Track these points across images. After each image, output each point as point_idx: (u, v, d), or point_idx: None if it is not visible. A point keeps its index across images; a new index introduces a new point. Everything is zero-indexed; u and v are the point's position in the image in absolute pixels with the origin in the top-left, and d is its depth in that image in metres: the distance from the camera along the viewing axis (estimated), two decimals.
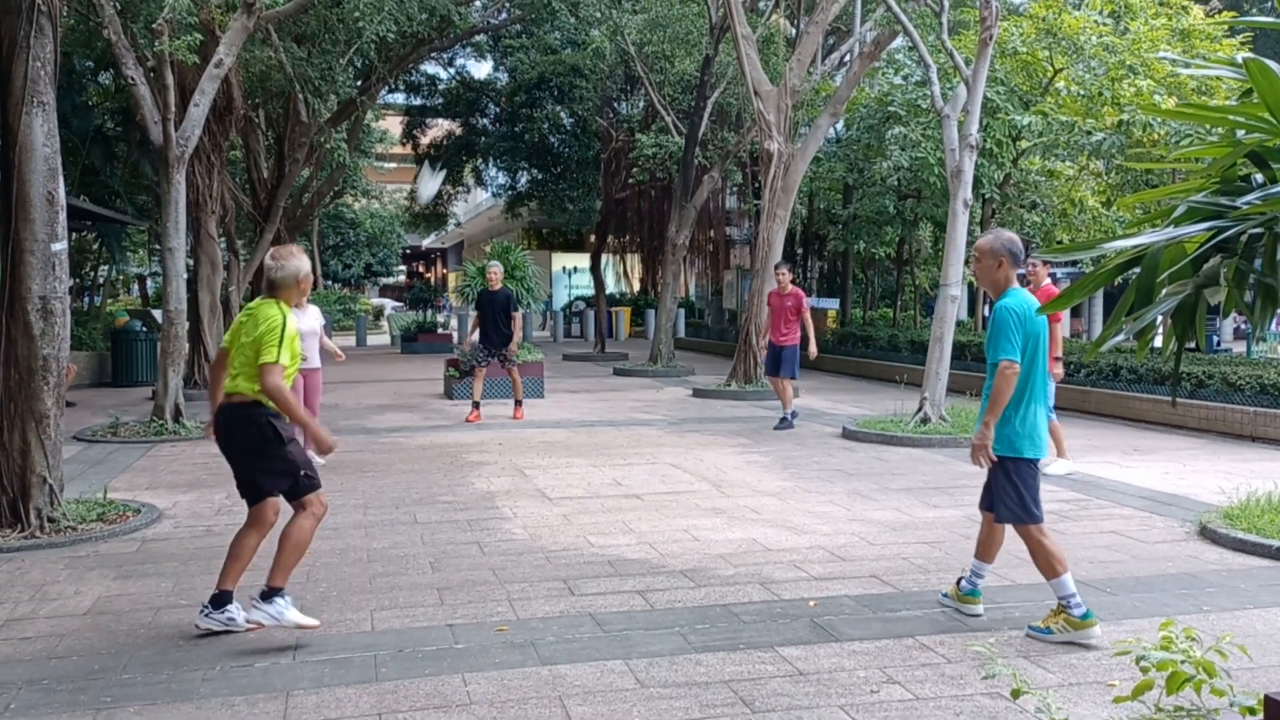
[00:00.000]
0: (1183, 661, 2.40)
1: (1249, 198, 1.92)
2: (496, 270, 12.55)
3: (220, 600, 4.69)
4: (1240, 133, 2.18)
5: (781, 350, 11.66)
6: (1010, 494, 4.67)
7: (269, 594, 4.60)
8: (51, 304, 6.75)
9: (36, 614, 5.03)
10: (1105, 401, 12.64)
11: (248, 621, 4.62)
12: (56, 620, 4.91)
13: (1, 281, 6.86)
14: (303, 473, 4.73)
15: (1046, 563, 4.59)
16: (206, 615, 4.68)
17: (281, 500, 4.80)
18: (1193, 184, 2.27)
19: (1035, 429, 4.68)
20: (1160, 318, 2.17)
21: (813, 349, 11.78)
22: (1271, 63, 1.91)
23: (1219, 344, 16.85)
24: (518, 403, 12.77)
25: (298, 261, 4.86)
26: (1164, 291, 1.97)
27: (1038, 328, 4.68)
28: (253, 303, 4.92)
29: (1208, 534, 6.40)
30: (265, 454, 4.71)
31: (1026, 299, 4.72)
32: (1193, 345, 16.32)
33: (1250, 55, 1.97)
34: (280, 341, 4.63)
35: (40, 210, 6.73)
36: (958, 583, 4.98)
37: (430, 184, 19.04)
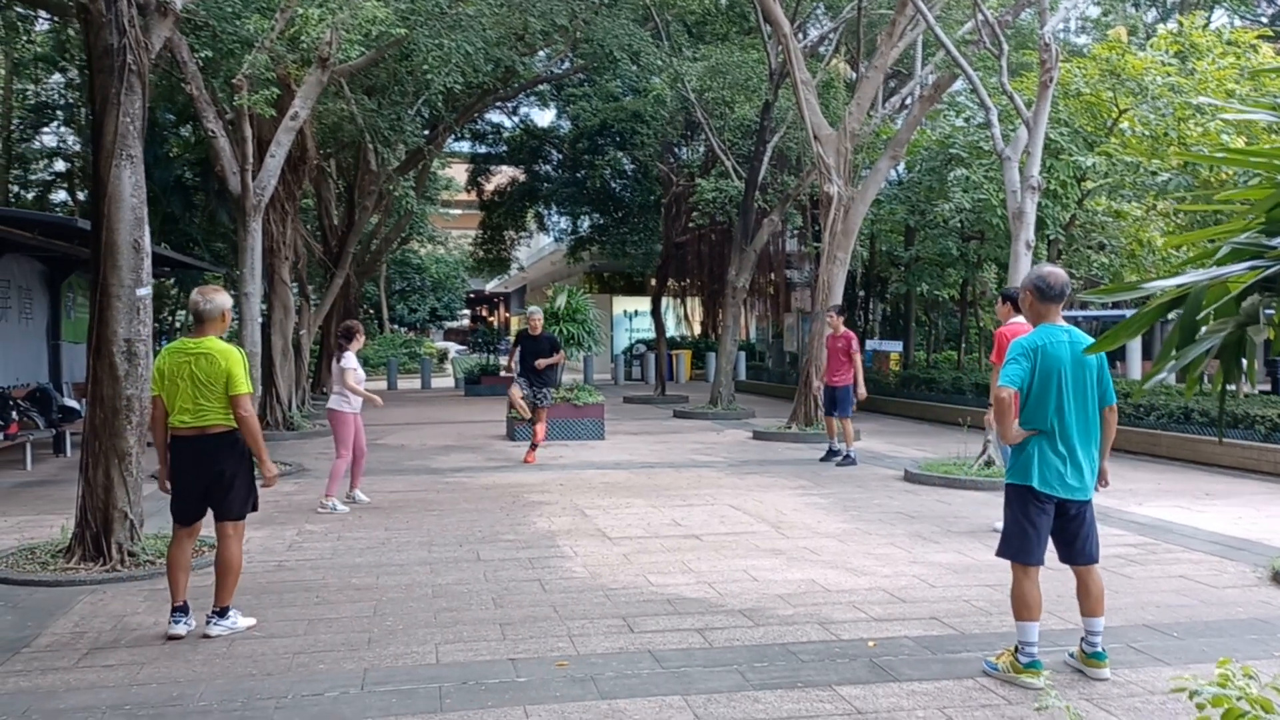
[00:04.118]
0: (1239, 698, 2.40)
1: None
2: (538, 316, 12.87)
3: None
4: None
5: (835, 391, 12.05)
6: (1005, 523, 4.77)
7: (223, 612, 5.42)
8: (136, 346, 7.07)
9: (118, 643, 5.23)
10: (1176, 445, 12.38)
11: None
12: (137, 649, 5.11)
13: (89, 324, 7.22)
14: (255, 498, 5.56)
15: (1015, 605, 4.65)
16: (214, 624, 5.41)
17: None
18: (1236, 225, 2.31)
19: (1040, 460, 4.62)
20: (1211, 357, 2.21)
21: (861, 390, 12.06)
22: None
23: None
24: (533, 445, 12.58)
25: (222, 297, 5.49)
26: (1204, 330, 2.02)
27: (1054, 364, 4.59)
28: (181, 343, 5.46)
29: None
30: (242, 478, 5.44)
31: (1043, 335, 4.67)
32: (1268, 387, 15.87)
33: None
34: (245, 371, 5.36)
35: (127, 257, 7.08)
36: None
37: None
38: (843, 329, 12.19)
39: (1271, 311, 2.18)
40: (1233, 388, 13.32)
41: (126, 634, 5.40)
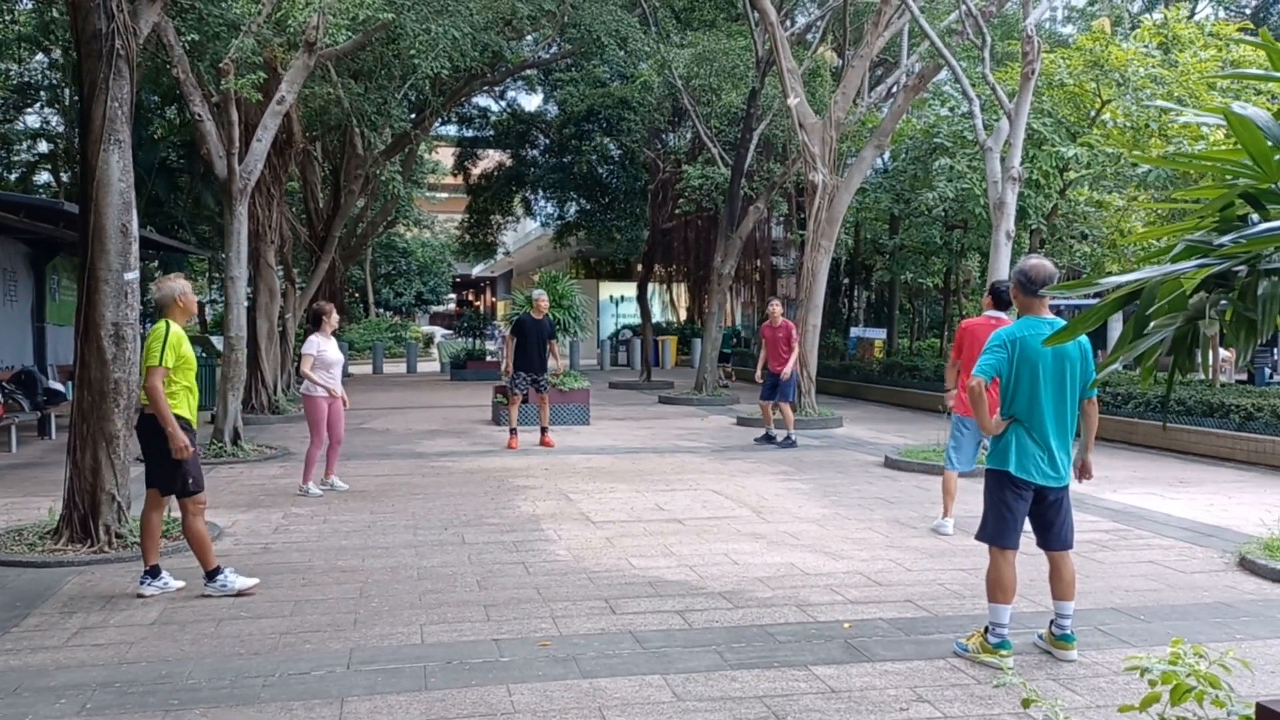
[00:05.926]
0: (1187, 674, 2.52)
1: (1228, 237, 2.08)
2: (544, 299, 12.64)
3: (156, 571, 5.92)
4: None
5: (777, 377, 12.65)
6: (985, 508, 4.90)
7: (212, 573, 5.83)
8: (123, 330, 7.11)
9: (107, 623, 5.31)
10: (1153, 434, 12.57)
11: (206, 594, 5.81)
12: (126, 629, 5.19)
13: (77, 308, 7.26)
14: (190, 479, 5.80)
15: (989, 587, 4.78)
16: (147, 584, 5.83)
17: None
18: (1190, 223, 2.42)
19: (1018, 447, 4.74)
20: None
21: (787, 370, 12.62)
22: (1253, 111, 2.07)
23: (1271, 376, 16.59)
24: (544, 429, 12.69)
25: (172, 284, 5.94)
26: (1152, 324, 2.13)
27: (1031, 355, 4.70)
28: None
29: (1247, 565, 6.42)
30: (166, 457, 5.74)
31: (1024, 327, 4.78)
32: (1245, 378, 16.09)
33: (1239, 105, 2.13)
34: (162, 347, 5.65)
35: (115, 241, 7.11)
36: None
37: None
38: (781, 319, 12.77)
39: (1226, 304, 2.29)
40: (1202, 377, 13.50)
41: (115, 614, 5.47)
